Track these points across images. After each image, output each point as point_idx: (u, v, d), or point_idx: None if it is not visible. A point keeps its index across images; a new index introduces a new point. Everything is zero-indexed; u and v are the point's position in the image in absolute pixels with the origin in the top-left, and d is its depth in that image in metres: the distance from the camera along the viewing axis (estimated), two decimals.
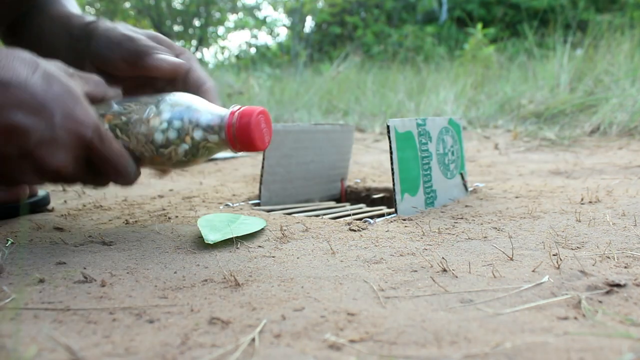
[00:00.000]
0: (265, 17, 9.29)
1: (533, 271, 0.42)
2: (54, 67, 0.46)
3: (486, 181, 0.94)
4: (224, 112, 0.51)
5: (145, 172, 1.16)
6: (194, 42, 8.72)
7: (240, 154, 1.52)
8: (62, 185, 0.52)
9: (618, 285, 0.38)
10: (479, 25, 3.76)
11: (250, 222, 0.59)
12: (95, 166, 0.48)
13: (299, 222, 0.61)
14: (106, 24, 0.60)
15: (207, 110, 0.51)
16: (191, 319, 0.35)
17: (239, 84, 3.55)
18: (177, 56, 0.58)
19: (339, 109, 2.74)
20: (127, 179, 0.51)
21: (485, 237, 0.53)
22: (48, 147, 0.43)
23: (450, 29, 6.32)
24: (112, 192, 0.85)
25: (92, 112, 0.46)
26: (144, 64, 0.56)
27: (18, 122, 0.41)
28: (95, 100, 0.50)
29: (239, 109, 0.50)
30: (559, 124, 1.78)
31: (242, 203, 0.75)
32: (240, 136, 0.50)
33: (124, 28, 0.59)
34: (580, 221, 0.59)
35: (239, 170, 1.19)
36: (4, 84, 0.41)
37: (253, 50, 8.89)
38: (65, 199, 0.80)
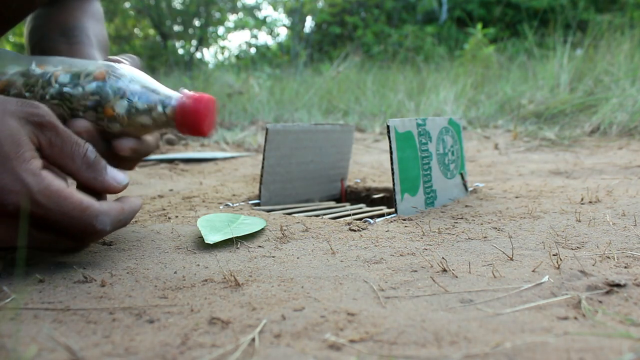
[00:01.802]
0: (265, 17, 9.30)
1: (533, 271, 0.42)
2: None
3: (486, 181, 0.94)
4: (174, 93, 0.51)
5: (145, 172, 1.16)
6: (194, 42, 8.73)
7: (239, 153, 1.52)
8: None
9: (618, 285, 0.38)
10: (479, 25, 3.76)
11: (250, 222, 0.59)
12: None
13: (299, 222, 0.61)
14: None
15: (158, 89, 0.51)
16: (191, 319, 0.35)
17: (239, 84, 3.56)
18: None
19: (339, 109, 2.74)
20: (94, 236, 0.43)
21: (485, 237, 0.53)
22: None
23: (450, 29, 6.32)
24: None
25: (28, 170, 0.39)
26: None
27: None
28: (46, 147, 0.42)
29: (190, 94, 0.51)
30: (559, 124, 1.78)
31: (242, 203, 0.75)
32: (187, 119, 0.50)
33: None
34: (580, 221, 0.59)
35: (239, 170, 1.19)
36: None
37: (253, 50, 8.89)
38: None
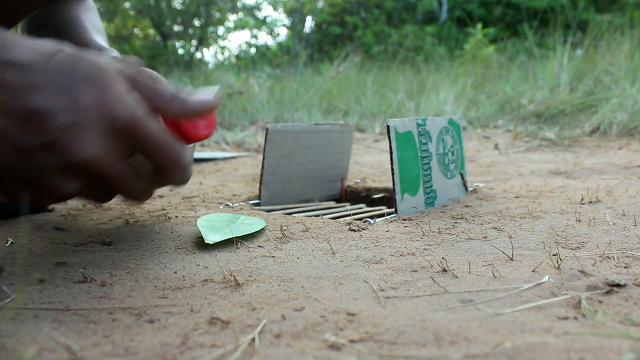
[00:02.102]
0: (265, 17, 9.31)
1: (533, 271, 0.42)
2: (86, 52, 0.41)
3: (486, 181, 0.94)
4: None
5: None
6: (194, 42, 8.73)
7: (239, 153, 1.52)
8: (100, 195, 0.44)
9: (618, 285, 0.38)
10: (479, 25, 3.77)
11: (250, 222, 0.59)
12: (146, 157, 0.42)
13: (299, 222, 0.61)
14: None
15: None
16: (191, 319, 0.35)
17: (239, 84, 3.56)
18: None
19: (339, 109, 2.75)
20: (183, 170, 0.44)
21: (485, 237, 0.53)
22: (75, 133, 0.37)
23: (450, 29, 6.32)
24: None
25: (130, 96, 0.41)
26: None
27: (37, 106, 0.36)
28: (138, 86, 0.44)
29: None
30: (559, 124, 1.78)
31: (242, 203, 0.75)
32: (172, 128, 0.49)
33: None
34: (580, 221, 0.59)
35: (239, 170, 1.19)
36: (21, 65, 0.37)
37: (253, 50, 8.90)
38: None
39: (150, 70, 0.47)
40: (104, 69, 0.40)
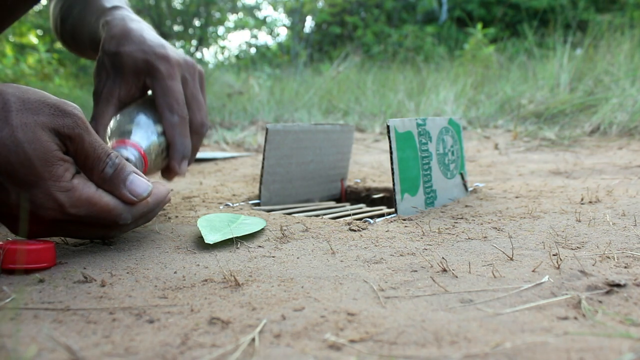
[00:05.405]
0: (265, 17, 9.30)
1: (533, 271, 0.42)
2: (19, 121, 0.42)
3: (486, 181, 0.94)
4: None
5: None
6: (194, 42, 8.73)
7: (239, 153, 1.52)
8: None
9: (618, 285, 0.38)
10: (479, 25, 3.77)
11: (250, 222, 0.59)
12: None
13: (299, 222, 0.61)
14: (124, 23, 0.64)
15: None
16: (191, 319, 0.35)
17: (239, 84, 3.56)
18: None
19: (339, 109, 2.74)
20: (120, 228, 0.49)
21: (485, 237, 0.53)
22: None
23: (450, 29, 6.32)
24: None
25: (60, 187, 0.44)
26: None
27: None
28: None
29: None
30: (559, 124, 1.78)
31: (242, 203, 0.75)
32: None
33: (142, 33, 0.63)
34: (580, 221, 0.59)
35: (239, 170, 1.19)
36: None
37: (253, 50, 8.89)
38: None
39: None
40: (34, 164, 0.42)
